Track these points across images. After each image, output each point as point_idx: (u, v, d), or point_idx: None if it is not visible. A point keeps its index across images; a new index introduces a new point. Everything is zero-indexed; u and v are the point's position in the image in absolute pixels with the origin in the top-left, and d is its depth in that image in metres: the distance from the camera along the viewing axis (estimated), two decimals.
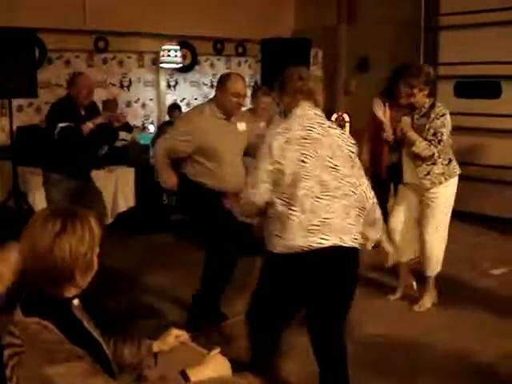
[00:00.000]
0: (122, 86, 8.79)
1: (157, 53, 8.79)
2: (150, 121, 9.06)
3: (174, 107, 8.41)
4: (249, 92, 5.83)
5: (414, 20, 8.12)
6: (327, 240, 2.98)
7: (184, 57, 9.04)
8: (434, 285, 5.07)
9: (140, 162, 7.37)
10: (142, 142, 7.97)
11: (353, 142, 3.29)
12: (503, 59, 7.29)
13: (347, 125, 9.19)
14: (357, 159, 3.26)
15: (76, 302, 2.00)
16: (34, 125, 7.57)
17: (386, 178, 6.29)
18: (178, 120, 5.54)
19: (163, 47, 8.60)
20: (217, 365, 2.10)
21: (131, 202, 7.23)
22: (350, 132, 9.07)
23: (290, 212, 2.99)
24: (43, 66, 7.78)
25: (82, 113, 5.33)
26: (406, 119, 4.82)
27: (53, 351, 1.79)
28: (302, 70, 3.43)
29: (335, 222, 3.01)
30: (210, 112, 4.47)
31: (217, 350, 2.16)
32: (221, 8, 8.91)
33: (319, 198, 3.00)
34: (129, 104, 8.86)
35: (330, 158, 3.08)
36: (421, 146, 4.63)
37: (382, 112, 5.42)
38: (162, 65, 8.85)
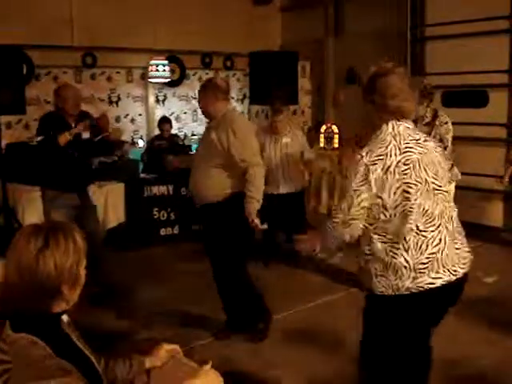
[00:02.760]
0: (110, 102, 8.79)
1: (145, 68, 8.80)
2: (139, 136, 9.06)
3: (165, 120, 8.41)
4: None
5: (401, 31, 8.18)
6: (439, 278, 2.66)
7: (172, 71, 9.06)
8: None
9: (130, 177, 7.36)
10: (131, 157, 7.96)
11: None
12: (489, 68, 7.34)
13: (336, 136, 9.23)
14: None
15: (65, 318, 1.99)
16: (22, 141, 7.56)
17: None
18: None
19: (151, 62, 8.61)
20: (208, 379, 2.09)
21: (121, 217, 7.21)
22: (340, 143, 9.12)
23: (393, 250, 2.67)
24: (31, 82, 7.78)
25: (72, 125, 5.27)
26: None
27: (41, 367, 1.77)
28: (392, 80, 2.75)
29: (444, 255, 2.68)
30: None
31: (208, 365, 2.15)
32: (208, 22, 8.95)
33: (424, 231, 2.65)
34: (118, 119, 8.86)
35: (434, 179, 2.70)
36: None
37: None
38: (150, 79, 8.86)
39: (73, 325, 2.04)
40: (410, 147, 2.68)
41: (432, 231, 2.66)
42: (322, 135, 9.40)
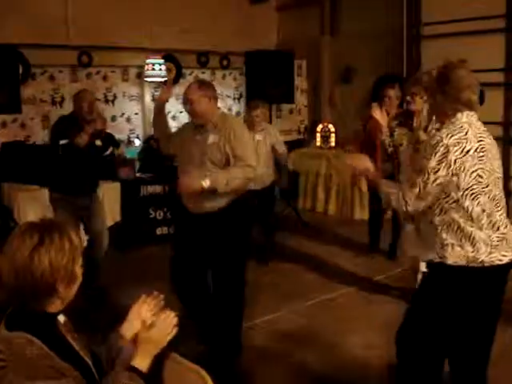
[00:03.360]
0: (106, 101, 8.76)
1: (141, 67, 8.77)
2: (135, 135, 9.04)
3: None
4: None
5: (397, 30, 8.19)
6: (506, 256, 2.86)
7: (168, 70, 9.04)
8: None
9: (126, 177, 7.35)
10: (128, 156, 7.94)
11: None
12: (485, 67, 7.35)
13: (332, 135, 9.25)
14: None
15: (62, 318, 1.98)
16: (18, 141, 7.54)
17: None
18: None
19: (147, 61, 8.58)
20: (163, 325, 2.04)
21: (118, 217, 7.20)
22: (336, 142, 9.14)
23: (468, 224, 2.83)
24: (27, 81, 7.75)
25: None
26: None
27: (36, 366, 1.77)
28: (462, 73, 2.97)
29: (510, 236, 2.90)
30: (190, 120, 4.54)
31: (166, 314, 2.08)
32: (205, 21, 8.93)
33: (493, 214, 2.85)
34: (114, 118, 8.83)
35: (498, 168, 2.94)
36: None
37: (379, 115, 5.55)
38: (146, 78, 8.83)
39: (70, 325, 2.03)
40: (484, 137, 2.90)
41: (500, 215, 2.88)
42: (318, 134, 9.43)
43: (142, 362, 1.95)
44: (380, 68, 8.51)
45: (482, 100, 7.44)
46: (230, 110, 10.07)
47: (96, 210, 5.60)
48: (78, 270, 1.95)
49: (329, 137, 9.29)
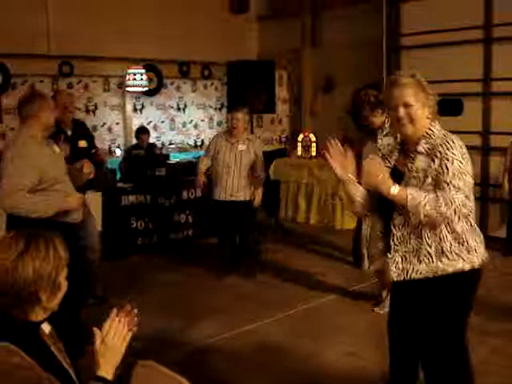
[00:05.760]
0: (87, 111, 8.75)
1: (122, 76, 8.77)
2: (116, 145, 9.02)
3: (143, 131, 8.37)
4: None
5: (376, 41, 8.25)
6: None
7: (150, 80, 9.04)
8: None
9: (107, 187, 7.31)
10: (108, 166, 7.92)
11: None
12: (464, 77, 7.44)
13: (313, 145, 9.29)
14: None
15: (47, 328, 1.97)
16: None
17: None
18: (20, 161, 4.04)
19: (129, 71, 8.59)
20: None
21: (98, 227, 7.14)
22: (317, 152, 9.17)
23: (474, 224, 2.93)
24: (7, 91, 7.72)
25: (69, 132, 5.24)
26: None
27: (14, 377, 1.75)
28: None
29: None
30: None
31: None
32: (186, 31, 8.96)
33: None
34: (95, 128, 8.80)
35: None
36: None
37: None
38: (127, 88, 8.84)
39: (55, 336, 2.02)
40: None
41: None
42: (299, 144, 9.47)
43: (107, 371, 1.93)
44: (360, 78, 8.57)
45: (460, 110, 7.57)
46: (211, 119, 10.11)
47: (88, 212, 5.47)
48: (63, 281, 1.95)
49: (310, 146, 9.33)
